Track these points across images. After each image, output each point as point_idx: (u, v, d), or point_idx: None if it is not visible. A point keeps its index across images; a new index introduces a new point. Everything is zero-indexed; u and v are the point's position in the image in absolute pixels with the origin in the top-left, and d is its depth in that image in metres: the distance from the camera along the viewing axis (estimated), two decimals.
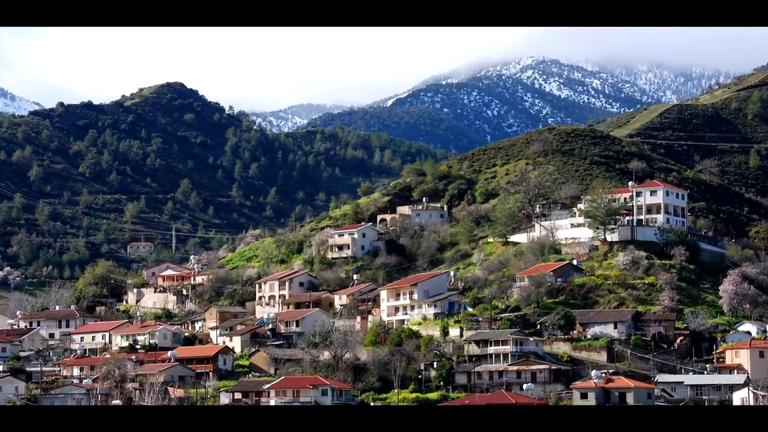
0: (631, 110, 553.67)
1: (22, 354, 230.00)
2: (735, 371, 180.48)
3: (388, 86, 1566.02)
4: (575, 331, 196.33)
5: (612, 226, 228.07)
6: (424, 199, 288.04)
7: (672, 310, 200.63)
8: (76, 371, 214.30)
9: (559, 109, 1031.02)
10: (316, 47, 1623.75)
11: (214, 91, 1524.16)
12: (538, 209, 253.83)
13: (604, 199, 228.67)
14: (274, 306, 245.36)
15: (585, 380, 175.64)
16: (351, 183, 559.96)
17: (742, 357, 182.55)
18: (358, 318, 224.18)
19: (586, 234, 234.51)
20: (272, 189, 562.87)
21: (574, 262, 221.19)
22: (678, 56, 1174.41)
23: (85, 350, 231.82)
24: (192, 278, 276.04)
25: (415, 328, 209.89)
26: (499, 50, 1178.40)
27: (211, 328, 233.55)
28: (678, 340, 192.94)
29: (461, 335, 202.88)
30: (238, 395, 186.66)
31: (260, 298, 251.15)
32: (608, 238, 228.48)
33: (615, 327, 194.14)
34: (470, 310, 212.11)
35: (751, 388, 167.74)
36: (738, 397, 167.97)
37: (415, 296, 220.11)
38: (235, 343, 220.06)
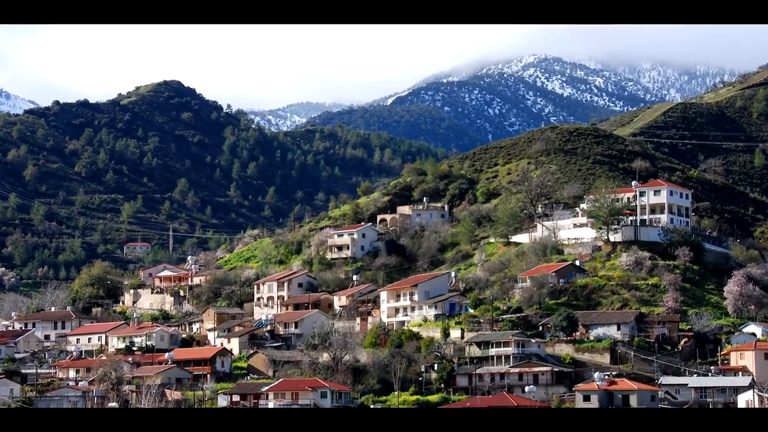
0: (635, 109, 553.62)
1: (17, 356, 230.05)
2: (740, 373, 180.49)
3: (388, 84, 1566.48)
4: (578, 333, 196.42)
5: (615, 227, 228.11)
6: (424, 198, 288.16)
7: (676, 311, 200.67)
8: (71, 373, 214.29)
9: (562, 108, 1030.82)
10: (315, 45, 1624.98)
11: (211, 89, 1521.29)
12: (540, 209, 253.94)
13: (607, 199, 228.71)
14: (272, 307, 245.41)
15: (588, 382, 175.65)
16: (350, 182, 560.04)
17: (747, 359, 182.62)
18: (358, 319, 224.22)
19: (588, 234, 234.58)
20: (271, 189, 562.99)
21: (577, 262, 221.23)
22: (682, 54, 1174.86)
23: (81, 352, 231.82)
24: (189, 279, 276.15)
25: (415, 329, 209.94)
26: (501, 48, 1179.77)
27: (209, 330, 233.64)
28: (682, 342, 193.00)
29: (462, 337, 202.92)
30: (236, 397, 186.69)
31: (258, 299, 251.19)
32: (611, 239, 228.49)
33: (618, 328, 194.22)
34: (471, 311, 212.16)
35: (756, 391, 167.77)
36: (743, 400, 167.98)
37: (416, 297, 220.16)
38: (233, 345, 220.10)
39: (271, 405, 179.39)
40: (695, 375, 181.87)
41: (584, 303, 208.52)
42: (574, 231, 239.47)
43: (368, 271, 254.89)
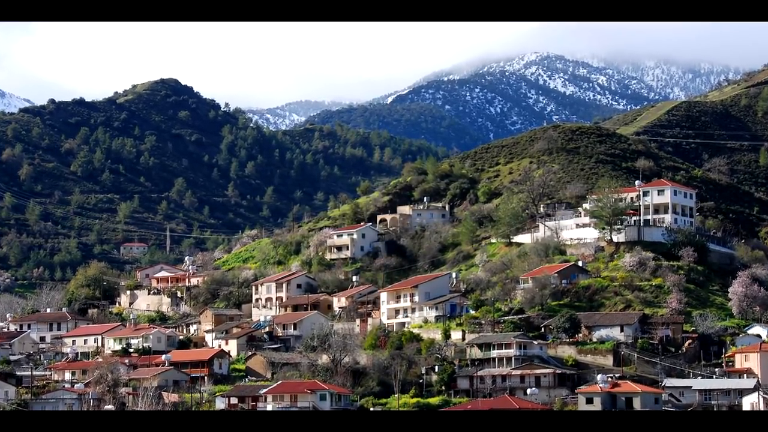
0: (638, 107, 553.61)
1: (12, 358, 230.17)
2: (745, 375, 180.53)
3: (388, 82, 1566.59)
4: (580, 335, 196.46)
5: (618, 227, 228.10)
6: (425, 198, 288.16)
7: (680, 312, 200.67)
8: (67, 375, 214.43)
9: (564, 106, 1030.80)
10: (314, 42, 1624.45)
11: (209, 87, 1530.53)
12: (542, 209, 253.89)
13: (610, 199, 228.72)
14: (271, 308, 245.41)
15: (590, 385, 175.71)
16: (350, 182, 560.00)
17: (751, 361, 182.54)
18: (358, 321, 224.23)
19: (591, 234, 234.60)
20: (269, 188, 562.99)
21: (580, 263, 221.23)
22: (686, 52, 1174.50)
23: (77, 354, 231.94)
24: (187, 280, 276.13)
25: (416, 331, 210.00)
26: (503, 46, 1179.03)
27: (207, 331, 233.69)
28: (686, 344, 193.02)
29: (463, 338, 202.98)
30: (234, 400, 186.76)
31: (257, 300, 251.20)
32: (614, 239, 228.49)
33: (621, 330, 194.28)
34: (472, 312, 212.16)
35: (761, 393, 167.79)
36: (748, 402, 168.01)
37: (416, 298, 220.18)
38: (231, 347, 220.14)
39: (269, 407, 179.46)
40: (699, 377, 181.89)
41: (587, 304, 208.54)
42: (576, 231, 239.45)
43: (368, 272, 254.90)
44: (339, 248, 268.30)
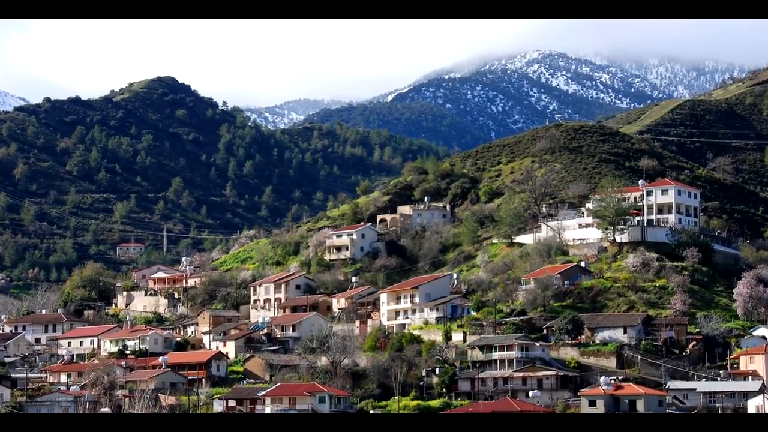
0: (642, 106, 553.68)
1: (6, 360, 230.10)
2: (750, 378, 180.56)
3: (388, 81, 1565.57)
4: (583, 336, 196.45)
5: (621, 227, 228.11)
6: (425, 198, 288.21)
7: (684, 314, 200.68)
8: (63, 378, 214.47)
9: (567, 105, 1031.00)
10: (314, 40, 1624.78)
11: (207, 85, 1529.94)
12: (544, 209, 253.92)
13: (614, 199, 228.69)
14: (269, 310, 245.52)
15: (593, 387, 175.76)
16: (350, 181, 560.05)
17: (757, 363, 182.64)
18: (357, 322, 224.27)
19: (594, 235, 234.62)
20: (267, 188, 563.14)
21: (582, 264, 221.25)
22: (690, 49, 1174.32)
23: (73, 356, 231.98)
24: (184, 281, 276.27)
25: (416, 332, 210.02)
26: (504, 43, 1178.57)
27: (204, 333, 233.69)
28: (690, 346, 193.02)
29: (464, 340, 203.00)
30: (232, 403, 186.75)
31: (255, 301, 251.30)
32: (617, 239, 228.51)
33: (625, 332, 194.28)
34: (474, 314, 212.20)
35: (766, 395, 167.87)
36: (753, 405, 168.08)
37: (417, 300, 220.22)
38: (229, 349, 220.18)
39: (268, 410, 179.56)
40: (704, 379, 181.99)
41: (590, 305, 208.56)
42: (579, 231, 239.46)
43: (368, 273, 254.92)
44: (338, 249, 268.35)
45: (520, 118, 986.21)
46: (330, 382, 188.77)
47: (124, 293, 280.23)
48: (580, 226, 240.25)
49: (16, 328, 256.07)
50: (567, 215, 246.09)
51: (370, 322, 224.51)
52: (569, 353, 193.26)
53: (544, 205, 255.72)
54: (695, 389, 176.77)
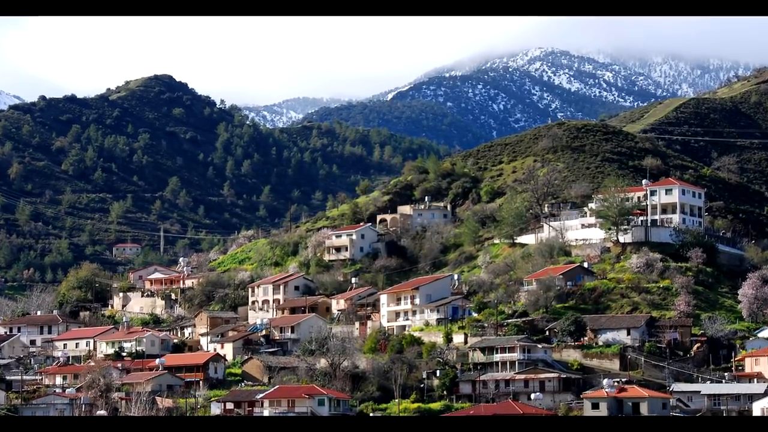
0: (645, 104, 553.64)
1: (1, 362, 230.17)
2: (755, 380, 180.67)
3: (388, 79, 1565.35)
4: (586, 338, 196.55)
5: (625, 227, 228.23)
6: (426, 198, 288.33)
7: (688, 315, 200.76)
8: (58, 380, 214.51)
9: (569, 103, 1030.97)
10: (313, 37, 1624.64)
11: (204, 84, 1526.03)
12: (546, 209, 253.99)
13: (617, 198, 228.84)
14: (267, 311, 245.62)
15: (596, 389, 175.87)
16: (349, 181, 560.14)
17: (762, 365, 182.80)
18: (357, 324, 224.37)
19: (597, 235, 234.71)
20: (266, 187, 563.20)
21: (585, 264, 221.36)
22: (695, 47, 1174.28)
23: (68, 358, 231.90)
24: (181, 282, 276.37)
25: (416, 334, 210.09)
26: (506, 41, 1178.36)
27: (202, 335, 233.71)
28: (695, 347, 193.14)
29: (465, 342, 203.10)
30: (229, 405, 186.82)
31: (253, 302, 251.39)
32: (621, 240, 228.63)
33: (628, 333, 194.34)
34: (475, 315, 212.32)
35: None
36: (758, 408, 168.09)
37: (417, 301, 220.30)
38: (227, 351, 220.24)
39: (266, 413, 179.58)
40: (708, 382, 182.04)
41: (593, 307, 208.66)
42: (582, 231, 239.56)
43: (367, 274, 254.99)
44: (338, 249, 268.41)
45: (522, 117, 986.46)
46: (329, 385, 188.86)
47: (121, 294, 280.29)
48: (583, 226, 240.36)
49: (10, 329, 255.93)
50: (569, 215, 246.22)
51: (369, 323, 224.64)
52: (572, 355, 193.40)
53: (546, 205, 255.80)
54: (699, 392, 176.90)
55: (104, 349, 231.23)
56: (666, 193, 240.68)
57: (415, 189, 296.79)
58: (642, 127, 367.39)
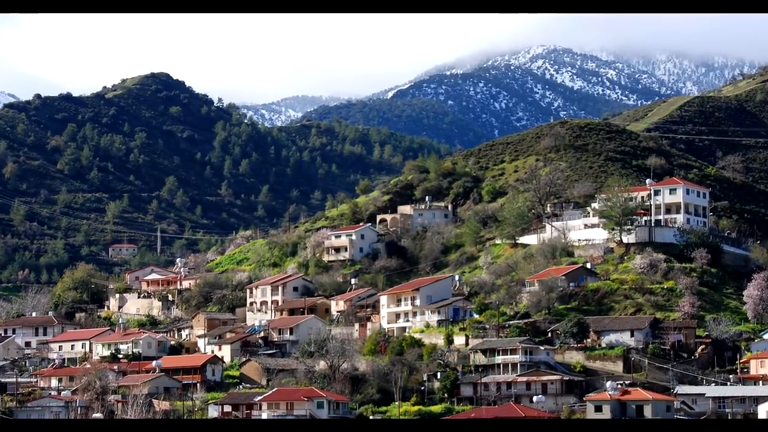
0: (649, 103, 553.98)
1: None
2: (760, 382, 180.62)
3: (388, 77, 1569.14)
4: (589, 340, 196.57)
5: (628, 227, 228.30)
6: (426, 197, 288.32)
7: (693, 316, 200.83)
8: (54, 382, 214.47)
9: (572, 102, 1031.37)
10: (312, 35, 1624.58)
11: (202, 82, 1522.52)
12: (549, 209, 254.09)
13: (620, 198, 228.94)
14: (266, 312, 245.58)
15: (599, 392, 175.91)
16: (349, 180, 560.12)
17: (767, 367, 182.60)
18: (357, 325, 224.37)
19: (600, 235, 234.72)
20: (264, 187, 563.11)
21: (588, 265, 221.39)
22: (699, 45, 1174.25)
23: (64, 360, 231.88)
24: (178, 283, 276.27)
25: (417, 336, 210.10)
26: (508, 38, 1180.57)
27: (199, 336, 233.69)
28: (699, 349, 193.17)
29: (467, 344, 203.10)
30: (227, 408, 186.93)
31: (251, 304, 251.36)
32: (624, 240, 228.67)
33: (632, 335, 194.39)
34: (476, 316, 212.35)
35: None
36: (763, 410, 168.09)
37: (418, 302, 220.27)
38: (225, 352, 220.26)
39: (264, 416, 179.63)
40: (713, 384, 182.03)
41: (596, 308, 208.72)
42: (585, 232, 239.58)
43: (367, 275, 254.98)
44: (337, 249, 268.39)
45: (524, 116, 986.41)
46: (328, 387, 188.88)
47: (117, 295, 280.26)
48: (586, 226, 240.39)
49: (5, 331, 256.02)
50: (572, 215, 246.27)
51: (369, 325, 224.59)
52: (574, 357, 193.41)
53: (548, 205, 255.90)
54: (704, 394, 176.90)
55: (100, 350, 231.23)
56: (670, 193, 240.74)
57: (415, 189, 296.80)
58: (646, 126, 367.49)
